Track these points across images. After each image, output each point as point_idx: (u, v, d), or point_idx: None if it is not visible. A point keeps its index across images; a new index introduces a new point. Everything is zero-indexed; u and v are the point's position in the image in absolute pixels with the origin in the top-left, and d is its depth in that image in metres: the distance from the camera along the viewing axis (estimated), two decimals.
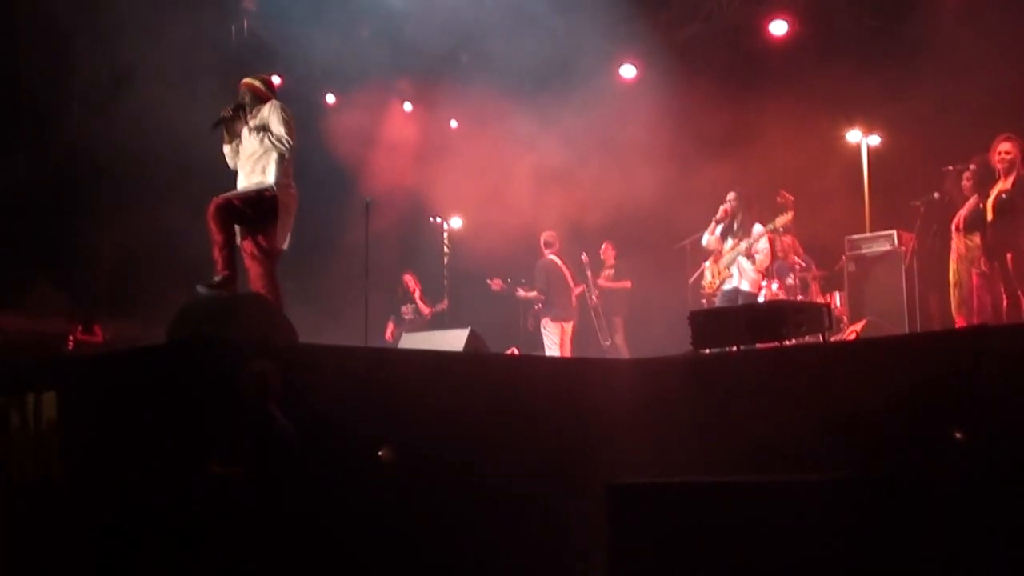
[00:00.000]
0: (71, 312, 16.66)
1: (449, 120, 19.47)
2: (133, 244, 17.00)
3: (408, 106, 19.31)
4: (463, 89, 17.76)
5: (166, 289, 14.03)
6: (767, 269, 13.47)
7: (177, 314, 8.68)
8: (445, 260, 17.79)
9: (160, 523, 7.51)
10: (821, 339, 9.23)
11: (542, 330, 15.21)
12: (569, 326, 15.32)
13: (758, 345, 9.41)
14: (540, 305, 15.46)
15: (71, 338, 16.51)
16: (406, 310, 17.24)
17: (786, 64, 15.55)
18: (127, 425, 8.02)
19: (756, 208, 13.39)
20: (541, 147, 16.16)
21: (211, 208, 9.40)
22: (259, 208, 9.55)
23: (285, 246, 9.85)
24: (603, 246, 16.37)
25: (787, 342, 9.08)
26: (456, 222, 18.32)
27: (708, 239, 13.41)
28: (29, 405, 8.76)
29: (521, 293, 15.85)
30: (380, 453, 7.86)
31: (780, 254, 13.97)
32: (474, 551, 8.17)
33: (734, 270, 13.21)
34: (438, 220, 18.17)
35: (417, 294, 17.45)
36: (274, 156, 9.63)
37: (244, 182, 9.80)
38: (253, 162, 9.75)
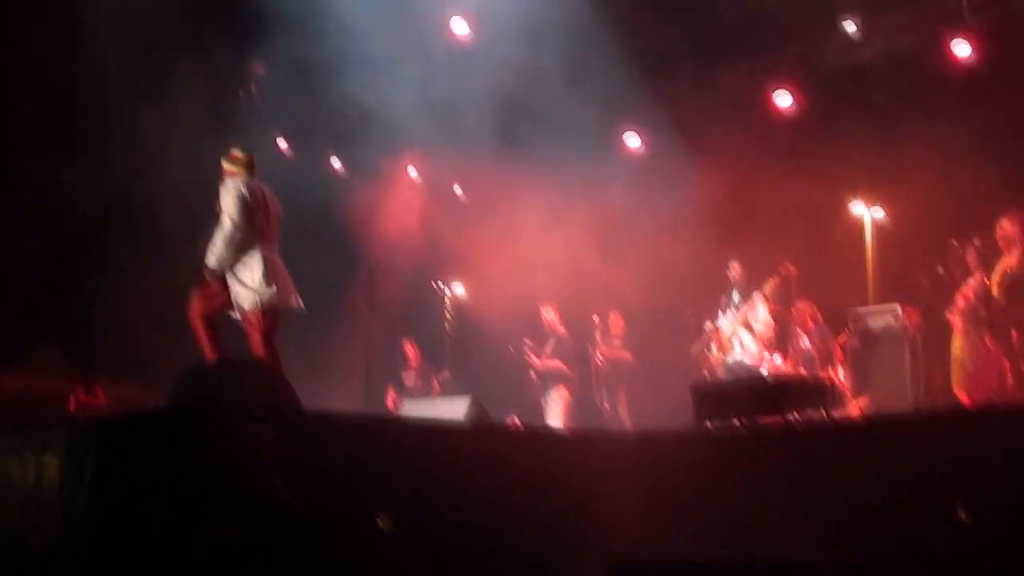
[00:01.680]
0: (72, 372, 16.58)
1: (453, 186, 19.53)
2: (136, 306, 16.98)
3: (413, 172, 19.35)
4: (467, 156, 17.83)
5: (168, 352, 13.99)
6: (769, 340, 13.43)
7: (179, 378, 8.64)
8: (447, 326, 17.76)
9: None
10: (824, 415, 9.19)
11: (550, 398, 15.08)
12: None
13: (761, 419, 9.35)
14: (534, 376, 15.37)
15: (72, 399, 16.42)
16: (407, 376, 17.13)
17: (790, 137, 15.60)
18: (127, 489, 7.96)
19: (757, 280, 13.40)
20: (545, 215, 16.17)
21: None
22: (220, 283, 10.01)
23: (294, 304, 10.23)
24: (611, 316, 16.22)
25: (790, 417, 9.02)
26: (459, 288, 18.31)
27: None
28: (31, 466, 8.71)
29: (539, 361, 15.53)
30: (379, 521, 7.79)
31: (795, 321, 13.90)
32: None
33: (735, 342, 13.19)
34: (440, 286, 18.17)
35: (416, 362, 17.28)
36: (221, 232, 10.04)
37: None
38: None
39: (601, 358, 15.93)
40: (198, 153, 15.71)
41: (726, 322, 13.40)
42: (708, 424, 9.34)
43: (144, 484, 7.78)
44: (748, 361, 13.13)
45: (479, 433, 9.72)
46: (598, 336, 16.03)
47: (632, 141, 17.42)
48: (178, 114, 16.39)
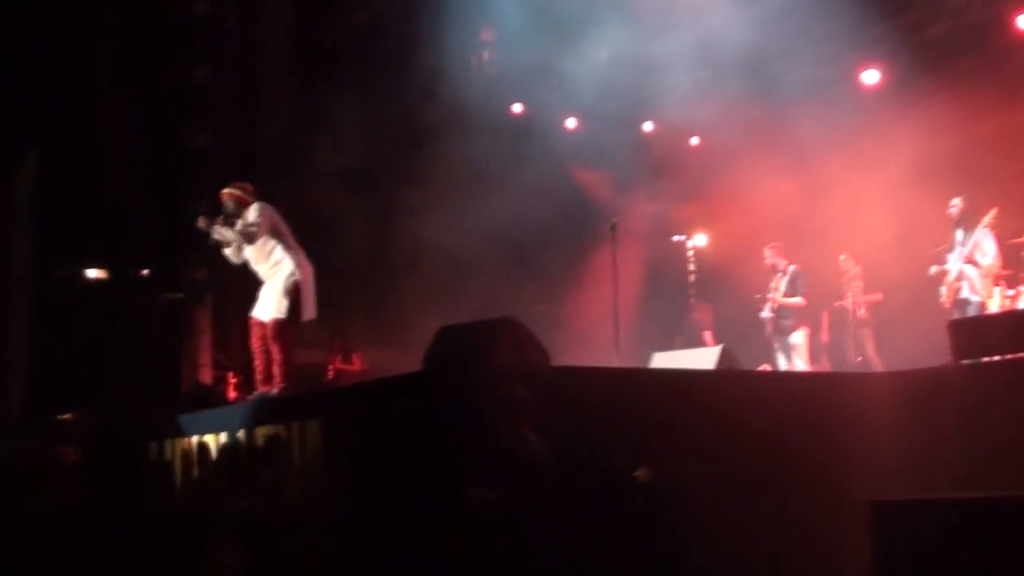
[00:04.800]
0: (331, 342, 17.12)
1: (689, 137, 19.37)
2: (386, 273, 17.46)
3: (648, 125, 19.26)
4: (702, 106, 17.66)
5: (419, 316, 14.32)
6: (999, 275, 12.90)
7: (434, 340, 8.83)
8: (691, 278, 17.70)
9: (420, 547, 7.66)
10: None
11: (790, 341, 14.73)
12: None
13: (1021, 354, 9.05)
14: (772, 313, 14.84)
15: (331, 367, 16.99)
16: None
17: None
18: (386, 451, 8.21)
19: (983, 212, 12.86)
20: (782, 158, 15.90)
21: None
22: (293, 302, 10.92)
23: (311, 316, 11.18)
24: (841, 257, 15.59)
25: None
26: (700, 239, 18.20)
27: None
28: (296, 433, 9.07)
29: (783, 300, 15.02)
30: (637, 474, 7.84)
31: None
32: (734, 571, 8.08)
33: (964, 282, 12.76)
34: (682, 238, 18.10)
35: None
36: (276, 246, 11.02)
37: (265, 275, 11.14)
38: (260, 257, 11.10)
39: (854, 302, 15.30)
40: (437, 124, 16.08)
41: (952, 262, 12.93)
42: (966, 360, 9.10)
43: (400, 446, 8.02)
44: (975, 298, 12.65)
45: (733, 379, 9.71)
46: (847, 280, 15.41)
47: (870, 76, 16.89)
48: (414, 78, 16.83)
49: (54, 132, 17.82)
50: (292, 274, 10.87)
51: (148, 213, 18.53)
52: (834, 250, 15.24)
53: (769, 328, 14.86)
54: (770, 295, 14.78)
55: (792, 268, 14.81)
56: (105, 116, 18.21)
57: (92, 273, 19.75)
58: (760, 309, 14.97)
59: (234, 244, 11.16)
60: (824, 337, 15.27)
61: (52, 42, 17.42)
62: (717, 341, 15.64)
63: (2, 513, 11.61)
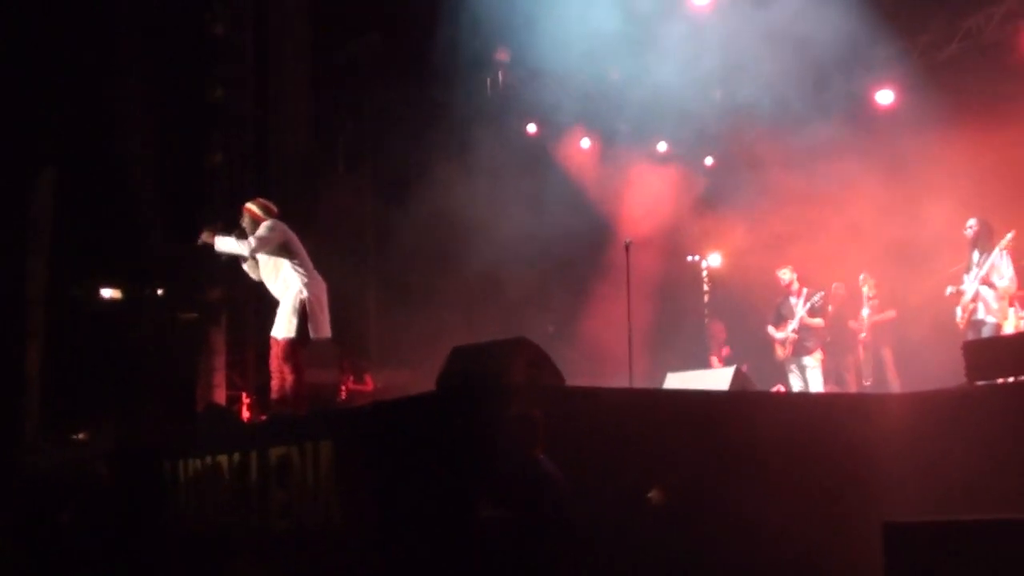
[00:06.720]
0: (342, 362, 17.15)
1: (704, 157, 19.37)
2: (399, 293, 17.47)
3: (663, 145, 19.25)
4: (717, 125, 17.67)
5: (431, 338, 14.33)
6: (1015, 296, 12.87)
7: (447, 360, 8.84)
8: (705, 298, 17.66)
9: (431, 568, 7.65)
10: None
11: (808, 362, 14.72)
12: None
13: None
14: (795, 335, 14.81)
15: (343, 388, 17.01)
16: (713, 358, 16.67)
17: None
18: (399, 471, 8.21)
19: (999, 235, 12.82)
20: (797, 179, 15.88)
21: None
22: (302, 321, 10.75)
23: (325, 335, 10.98)
24: (860, 277, 15.55)
25: None
26: (715, 259, 18.17)
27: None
28: (308, 453, 9.08)
29: (808, 320, 15.00)
30: (650, 495, 7.83)
31: None
32: None
33: (979, 303, 12.72)
34: (696, 258, 18.08)
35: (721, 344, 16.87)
36: (287, 265, 10.86)
37: (277, 294, 10.97)
38: (272, 276, 10.97)
39: (871, 322, 15.22)
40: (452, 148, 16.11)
41: (968, 283, 12.88)
42: (980, 382, 9.07)
43: (415, 465, 8.02)
44: (991, 320, 12.61)
45: (746, 401, 9.68)
46: (869, 308, 15.33)
47: (884, 96, 16.86)
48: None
49: (71, 150, 17.89)
50: (300, 292, 10.80)
51: (164, 232, 18.57)
52: (853, 270, 15.26)
53: (788, 349, 14.83)
54: (798, 315, 14.77)
55: (807, 290, 14.83)
56: (122, 134, 18.29)
57: (107, 292, 19.78)
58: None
59: (248, 259, 11.15)
60: (860, 356, 15.21)
61: (70, 60, 17.50)
62: (732, 360, 15.67)
63: (31, 528, 11.65)
